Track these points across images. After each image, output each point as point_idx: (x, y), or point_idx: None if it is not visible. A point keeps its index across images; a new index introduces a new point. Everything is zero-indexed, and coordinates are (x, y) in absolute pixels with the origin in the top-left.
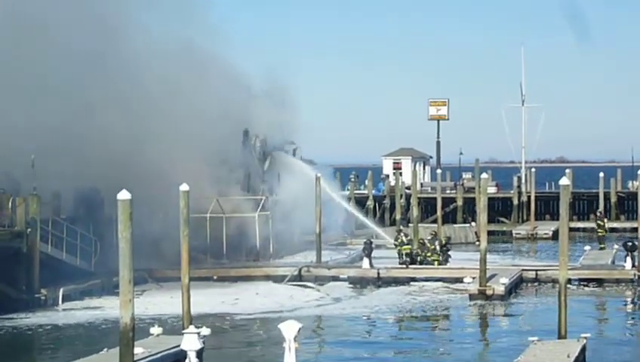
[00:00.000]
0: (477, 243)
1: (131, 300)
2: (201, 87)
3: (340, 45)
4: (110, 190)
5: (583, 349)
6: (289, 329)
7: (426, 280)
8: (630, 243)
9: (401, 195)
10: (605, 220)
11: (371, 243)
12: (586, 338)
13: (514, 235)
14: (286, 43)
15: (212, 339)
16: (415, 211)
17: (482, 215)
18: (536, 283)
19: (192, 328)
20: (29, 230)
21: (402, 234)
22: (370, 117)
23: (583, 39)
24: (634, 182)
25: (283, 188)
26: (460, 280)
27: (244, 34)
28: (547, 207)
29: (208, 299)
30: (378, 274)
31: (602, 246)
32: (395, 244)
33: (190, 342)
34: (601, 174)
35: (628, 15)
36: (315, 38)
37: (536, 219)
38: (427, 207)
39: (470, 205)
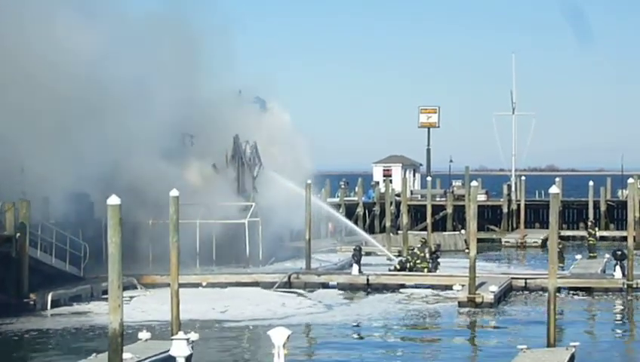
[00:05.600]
0: (466, 250)
1: (120, 305)
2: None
3: (330, 52)
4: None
5: (572, 358)
6: (278, 336)
7: (416, 287)
8: (620, 252)
9: (391, 202)
10: (595, 229)
11: (360, 249)
12: (574, 346)
13: (503, 243)
14: (276, 49)
15: (201, 345)
16: (405, 218)
17: (472, 223)
18: (525, 292)
19: (181, 334)
20: (18, 234)
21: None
22: (360, 124)
23: (575, 47)
24: (623, 190)
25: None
26: (449, 287)
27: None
28: (537, 215)
29: (197, 305)
30: (367, 280)
31: (593, 254)
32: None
33: (179, 348)
34: (591, 183)
35: (620, 25)
36: (305, 45)
37: (525, 227)
38: (417, 214)
39: (460, 213)
